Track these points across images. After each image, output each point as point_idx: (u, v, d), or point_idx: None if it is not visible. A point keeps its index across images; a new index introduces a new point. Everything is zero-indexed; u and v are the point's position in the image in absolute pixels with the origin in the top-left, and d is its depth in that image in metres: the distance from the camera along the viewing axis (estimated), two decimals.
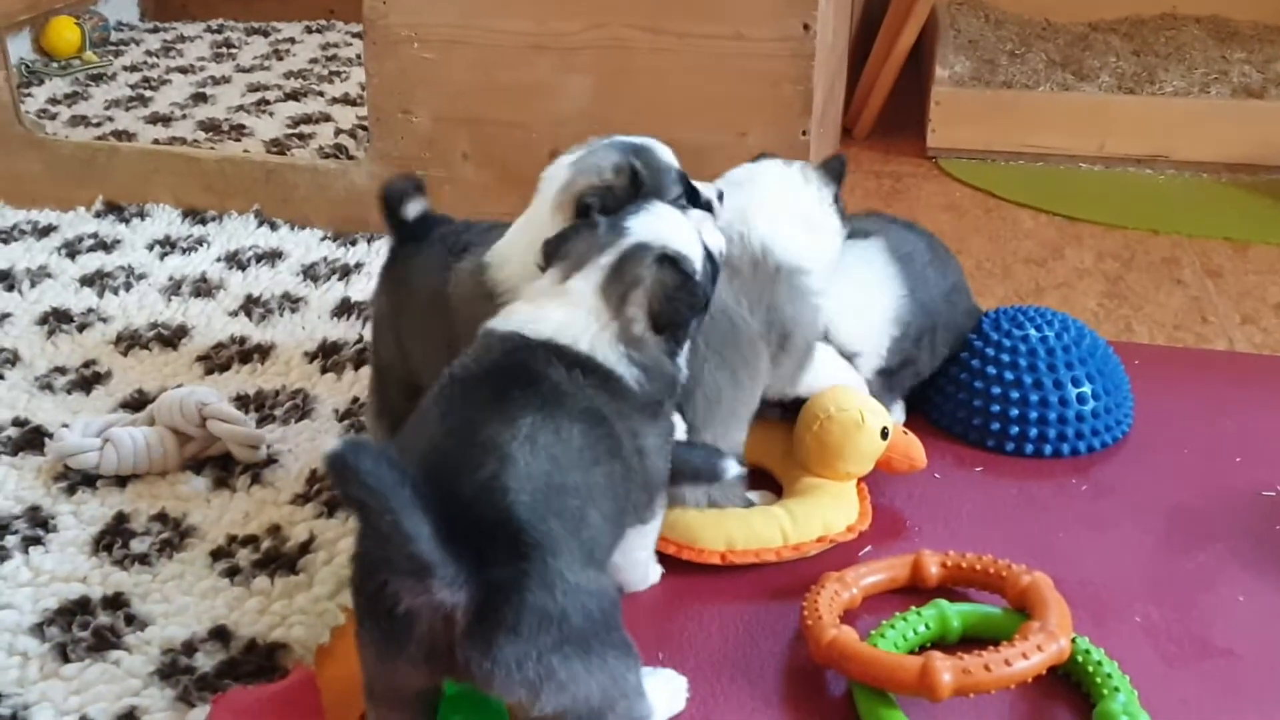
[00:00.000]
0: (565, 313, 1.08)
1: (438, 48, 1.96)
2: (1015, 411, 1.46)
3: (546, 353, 1.05)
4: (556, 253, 1.14)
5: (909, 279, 1.47)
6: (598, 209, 1.21)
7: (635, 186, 1.27)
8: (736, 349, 1.32)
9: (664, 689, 1.10)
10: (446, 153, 2.02)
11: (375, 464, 0.85)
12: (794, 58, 1.85)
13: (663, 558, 1.28)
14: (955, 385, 1.51)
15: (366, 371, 1.65)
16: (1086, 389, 1.47)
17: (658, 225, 1.14)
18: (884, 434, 1.36)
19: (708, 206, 1.34)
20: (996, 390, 1.47)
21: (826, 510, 1.32)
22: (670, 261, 1.11)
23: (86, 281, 1.92)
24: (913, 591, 1.23)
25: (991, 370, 1.48)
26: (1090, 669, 1.11)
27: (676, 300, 1.09)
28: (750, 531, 1.29)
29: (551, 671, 0.93)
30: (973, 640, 1.16)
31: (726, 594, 1.25)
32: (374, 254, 2.00)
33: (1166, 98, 2.55)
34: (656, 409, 1.11)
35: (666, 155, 1.34)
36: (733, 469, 1.25)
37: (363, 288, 1.90)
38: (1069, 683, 1.13)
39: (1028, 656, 1.04)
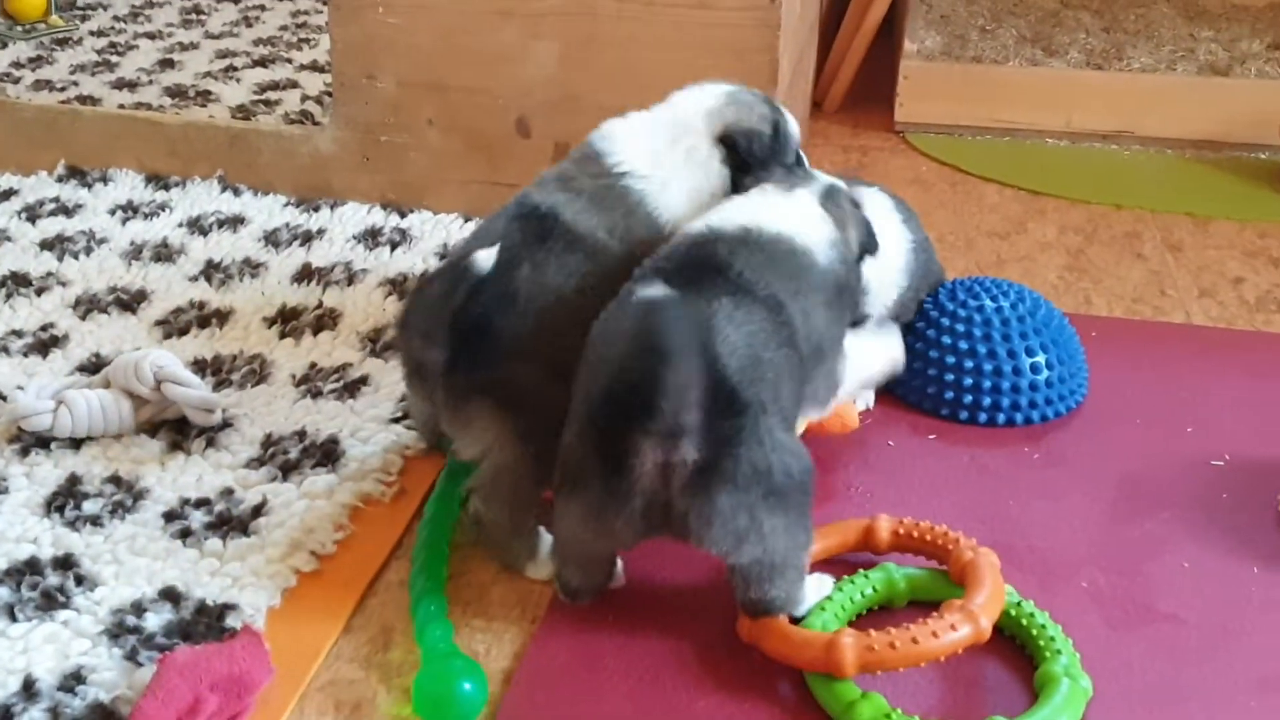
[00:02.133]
0: (802, 211, 1.24)
1: (403, 12, 1.95)
2: (969, 380, 1.48)
3: (735, 238, 1.17)
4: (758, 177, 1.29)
5: (913, 229, 1.50)
6: (744, 150, 1.29)
7: (775, 142, 1.33)
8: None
9: (814, 580, 1.16)
10: (411, 119, 2.01)
11: (688, 325, 0.99)
12: (760, 28, 1.85)
13: None
14: (911, 354, 1.52)
15: (326, 336, 1.65)
16: (1040, 359, 1.48)
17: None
18: None
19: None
20: (951, 360, 1.48)
21: None
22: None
23: (46, 245, 1.90)
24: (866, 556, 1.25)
25: (946, 340, 1.49)
26: (1034, 631, 1.12)
27: (871, 236, 1.30)
28: None
29: (758, 522, 1.03)
30: (921, 604, 1.18)
31: (675, 565, 1.26)
32: (336, 220, 1.99)
33: (1133, 74, 2.55)
34: (838, 295, 1.23)
35: (794, 125, 1.41)
36: None
37: (324, 254, 1.89)
38: (1014, 645, 1.14)
39: (938, 635, 1.04)
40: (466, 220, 2.01)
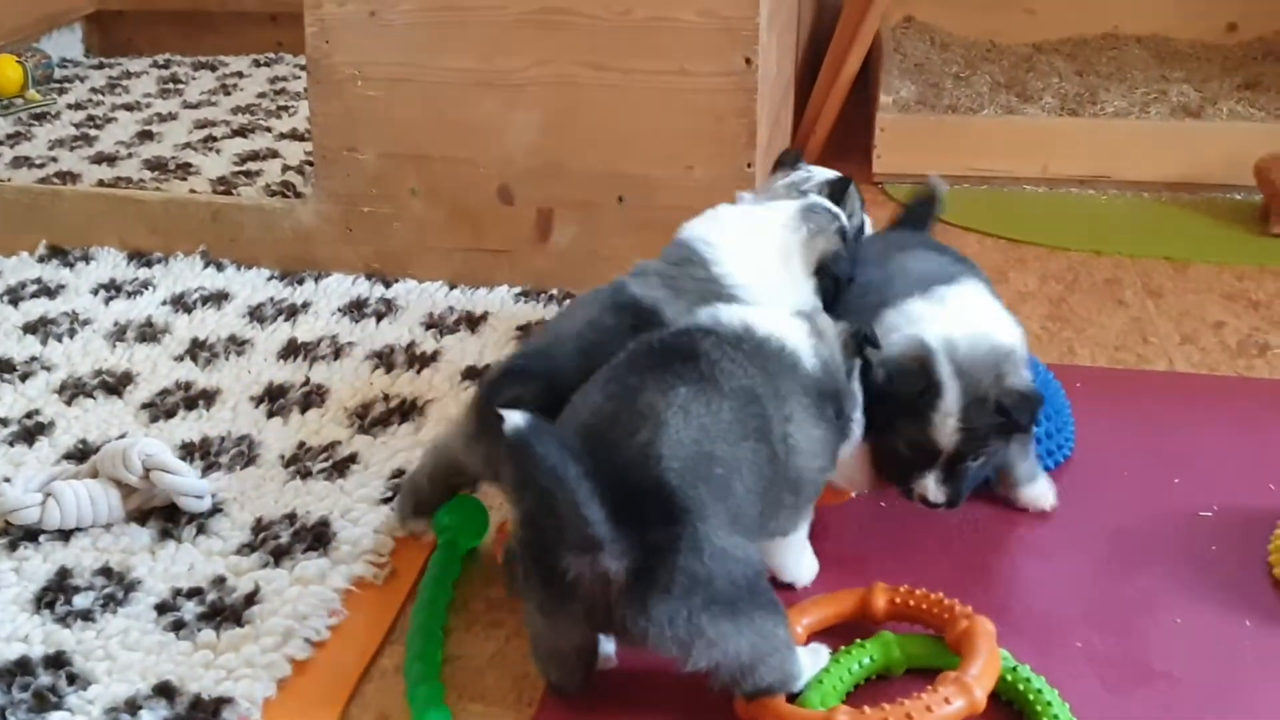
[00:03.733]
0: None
1: (382, 85, 1.97)
2: None
3: (728, 337, 1.17)
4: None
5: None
6: (834, 280, 1.39)
7: (851, 256, 1.43)
8: None
9: (809, 652, 1.16)
10: (394, 189, 2.02)
11: (555, 447, 0.97)
12: (737, 91, 1.88)
13: None
14: None
15: (313, 413, 1.65)
16: None
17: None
18: None
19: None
20: None
21: None
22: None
23: (29, 329, 1.90)
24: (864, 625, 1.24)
25: None
26: (1031, 697, 1.12)
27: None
28: None
29: (700, 630, 1.03)
30: (919, 671, 1.18)
31: None
32: (321, 292, 2.00)
33: (1107, 119, 2.59)
34: (822, 403, 1.20)
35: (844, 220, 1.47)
36: None
37: (310, 328, 1.89)
38: (1013, 711, 1.14)
39: (932, 710, 1.04)
40: (452, 288, 2.02)
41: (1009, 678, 1.14)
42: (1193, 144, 2.43)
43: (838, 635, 1.22)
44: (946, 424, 1.27)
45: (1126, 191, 2.44)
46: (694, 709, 1.16)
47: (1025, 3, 3.21)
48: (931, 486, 1.31)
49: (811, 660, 1.16)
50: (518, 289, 2.01)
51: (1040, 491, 1.44)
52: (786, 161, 1.64)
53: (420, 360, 1.78)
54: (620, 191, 1.96)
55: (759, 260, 1.38)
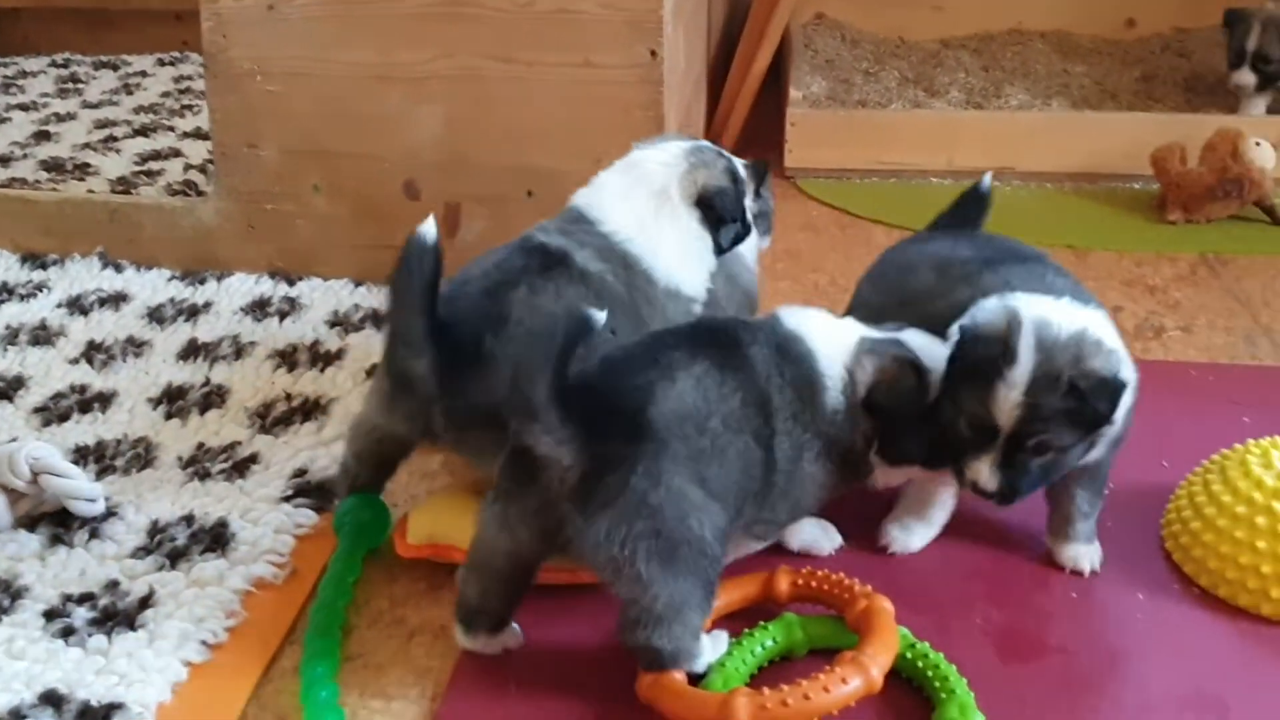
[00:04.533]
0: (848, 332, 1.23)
1: (282, 80, 1.93)
2: None
3: (773, 337, 1.19)
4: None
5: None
6: (719, 210, 1.40)
7: (737, 190, 1.44)
8: None
9: (710, 638, 1.16)
10: (297, 186, 1.99)
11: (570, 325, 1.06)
12: (643, 84, 1.88)
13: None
14: None
15: (213, 414, 1.62)
16: None
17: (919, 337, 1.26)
18: None
19: (749, 230, 1.49)
20: None
21: None
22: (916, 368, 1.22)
23: None
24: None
25: None
26: (929, 673, 1.14)
27: (896, 390, 1.21)
28: None
29: (633, 559, 1.05)
30: (823, 652, 1.18)
31: (573, 629, 1.25)
32: (223, 292, 1.96)
33: (1011, 112, 2.65)
34: (833, 447, 1.20)
35: (742, 169, 1.49)
36: None
37: (211, 328, 1.85)
38: (912, 687, 1.16)
39: (829, 690, 1.05)
40: (358, 285, 1.99)
41: (908, 655, 1.15)
42: (1093, 136, 2.48)
43: (743, 618, 1.22)
44: (1009, 397, 1.17)
45: (1030, 182, 2.48)
46: (594, 693, 1.16)
47: (933, 0, 3.27)
48: (985, 471, 1.20)
49: (712, 646, 1.16)
50: None
51: (1080, 554, 1.33)
52: None
53: (324, 359, 1.76)
54: (529, 185, 1.95)
55: (635, 206, 1.40)
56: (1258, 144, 2.26)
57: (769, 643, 1.18)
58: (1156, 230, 2.26)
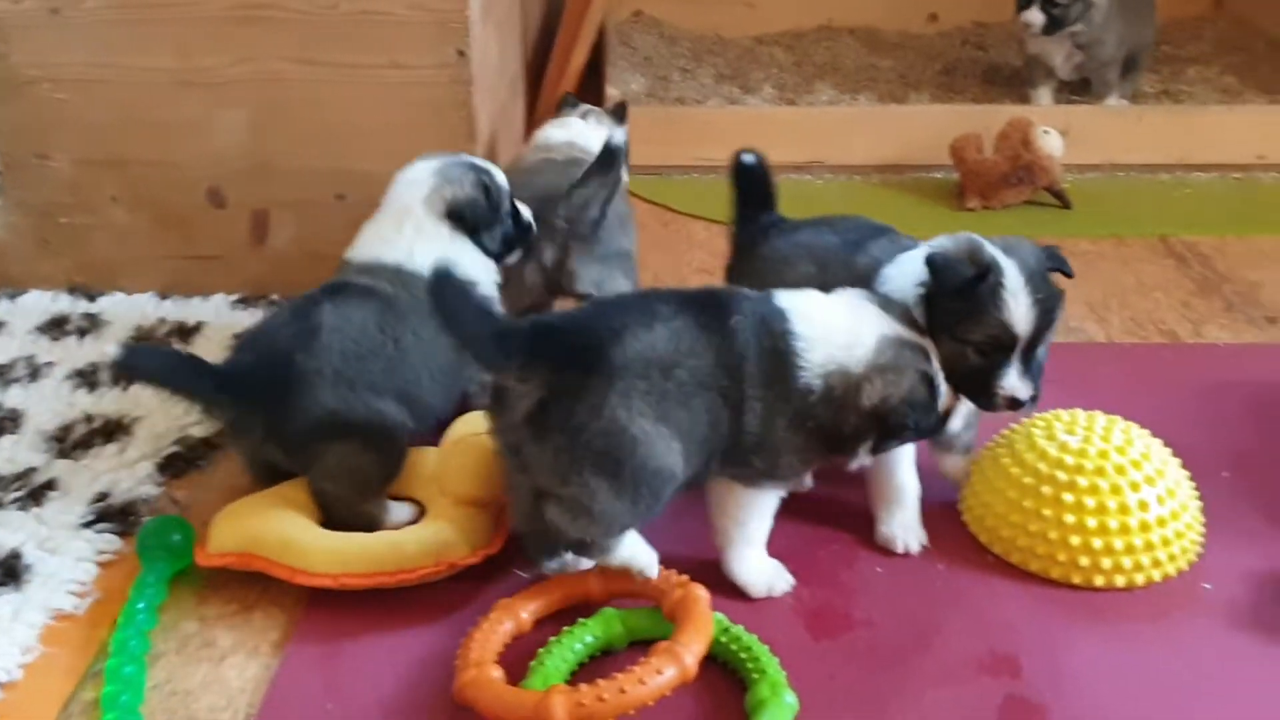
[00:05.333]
0: (838, 318, 1.25)
1: (72, 88, 1.85)
2: None
3: (762, 312, 1.25)
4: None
5: None
6: (469, 220, 1.50)
7: (489, 200, 1.53)
8: None
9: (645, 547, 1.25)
10: (92, 197, 1.90)
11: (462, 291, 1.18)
12: (453, 84, 1.87)
13: (344, 596, 1.27)
14: None
15: (7, 440, 1.54)
16: None
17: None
18: None
19: (528, 228, 1.58)
20: None
21: (448, 534, 1.31)
22: (928, 380, 1.26)
23: None
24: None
25: None
26: (743, 655, 1.17)
27: (910, 408, 1.24)
28: (365, 557, 1.28)
29: (580, 472, 1.16)
30: (643, 643, 1.20)
31: (399, 627, 1.25)
32: (17, 311, 1.86)
33: (821, 107, 2.74)
34: (803, 423, 1.24)
35: (502, 178, 1.57)
36: None
37: (3, 349, 1.76)
38: (727, 670, 1.19)
39: (645, 682, 1.08)
40: (164, 298, 1.92)
41: (722, 639, 1.19)
42: (897, 128, 2.59)
43: (562, 618, 1.24)
44: (1019, 301, 1.24)
45: (840, 175, 2.57)
46: (411, 695, 1.15)
47: None
48: (1017, 381, 1.26)
49: (646, 551, 1.24)
50: (234, 296, 1.94)
51: (961, 467, 1.46)
52: (566, 104, 1.97)
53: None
54: (339, 189, 1.92)
55: (381, 230, 1.52)
56: (1046, 132, 2.40)
57: (588, 639, 1.20)
58: (957, 218, 2.38)
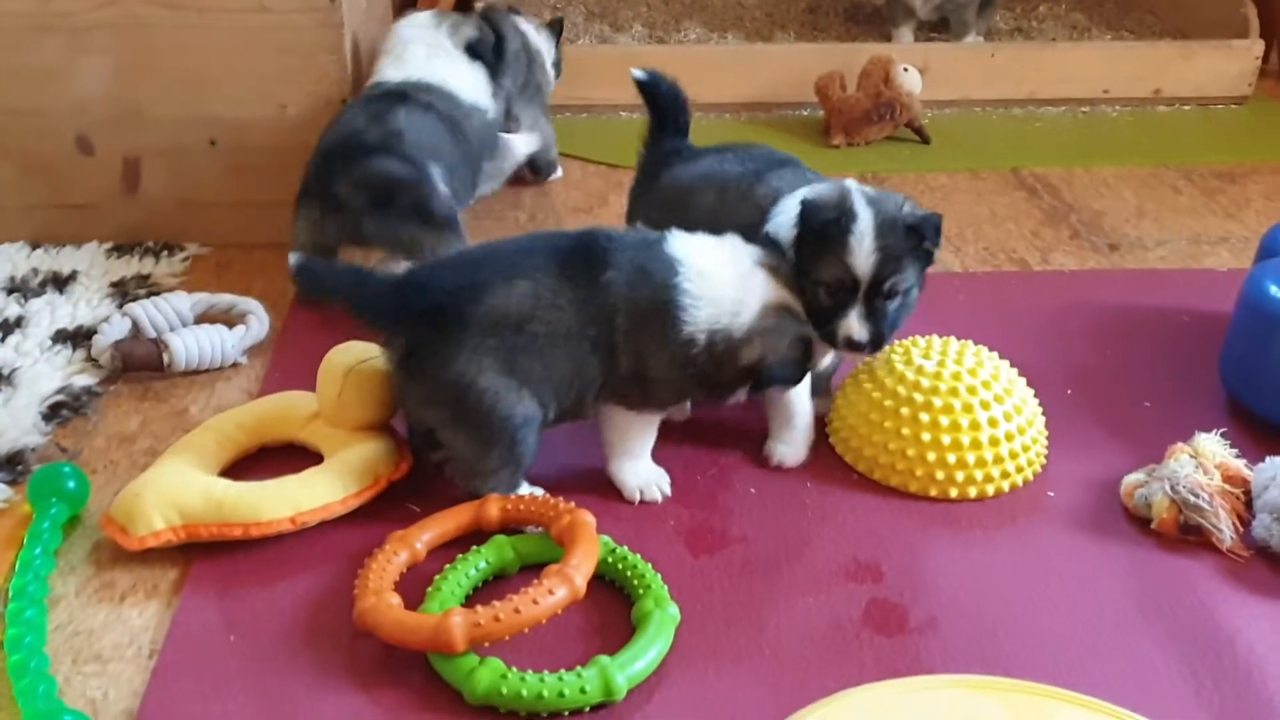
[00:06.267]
0: (741, 289, 1.33)
1: None
2: None
3: (656, 269, 1.33)
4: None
5: None
6: (483, 53, 2.00)
7: (499, 46, 2.04)
8: None
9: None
10: None
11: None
12: (323, 28, 1.86)
13: (235, 545, 1.30)
14: None
15: None
16: None
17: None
18: None
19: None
20: None
21: (374, 455, 1.38)
22: (802, 342, 1.37)
23: None
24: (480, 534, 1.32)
25: None
26: (628, 573, 1.25)
27: (783, 366, 1.36)
28: (312, 492, 1.33)
29: (438, 425, 1.33)
30: (533, 567, 1.27)
31: (297, 565, 1.29)
32: None
33: (689, 46, 2.79)
34: (684, 367, 1.33)
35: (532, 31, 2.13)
36: None
37: None
38: (614, 588, 1.27)
39: (538, 602, 1.14)
40: (35, 248, 1.89)
41: (609, 559, 1.26)
42: (763, 67, 2.65)
43: (457, 546, 1.29)
44: (863, 245, 1.34)
45: (710, 114, 2.63)
46: (316, 628, 1.20)
47: None
48: (855, 324, 1.35)
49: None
50: (109, 244, 1.91)
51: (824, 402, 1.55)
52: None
53: (4, 327, 1.67)
54: (211, 135, 1.90)
55: (428, 57, 1.94)
56: (906, 70, 2.49)
57: (482, 564, 1.26)
58: (823, 154, 2.46)
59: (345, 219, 1.71)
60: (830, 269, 1.35)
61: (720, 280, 1.33)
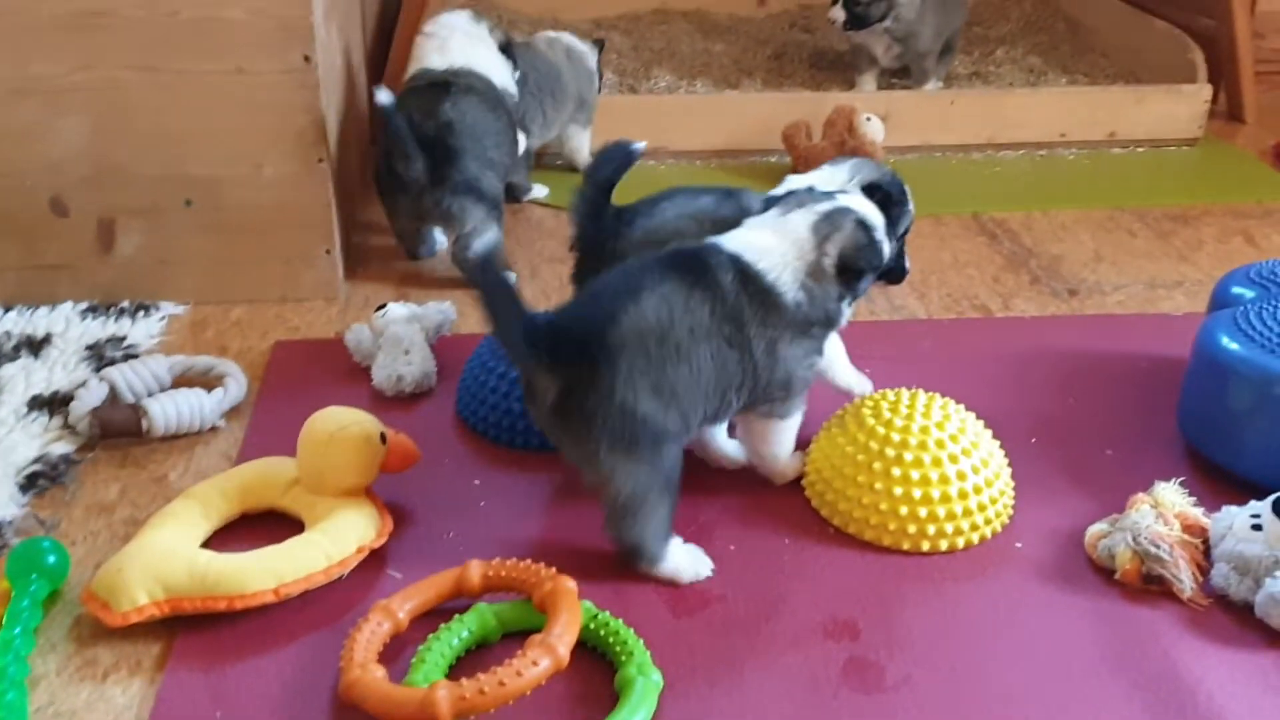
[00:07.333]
0: (767, 240, 1.42)
1: None
2: (520, 407, 1.60)
3: (729, 260, 1.39)
4: (780, 201, 1.48)
5: None
6: (503, 46, 2.26)
7: (510, 41, 2.31)
8: None
9: (688, 552, 1.42)
10: None
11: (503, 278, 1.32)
12: (300, 88, 1.89)
13: (219, 617, 1.30)
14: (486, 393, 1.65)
15: None
16: None
17: (856, 200, 1.48)
18: (383, 439, 1.46)
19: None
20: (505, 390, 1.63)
21: (356, 522, 1.40)
22: (864, 225, 1.44)
23: None
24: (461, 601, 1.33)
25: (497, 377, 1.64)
26: (610, 639, 1.27)
27: (862, 252, 1.43)
28: (295, 563, 1.34)
29: (598, 455, 1.31)
30: (516, 634, 1.29)
31: (281, 637, 1.30)
32: None
33: (659, 95, 2.83)
34: (807, 328, 1.43)
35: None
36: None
37: None
38: (597, 654, 1.29)
39: (522, 674, 1.16)
40: (7, 310, 1.89)
41: (591, 625, 1.28)
42: (732, 115, 2.69)
43: (439, 615, 1.31)
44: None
45: (681, 160, 2.68)
46: (300, 701, 1.21)
47: None
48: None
49: (688, 557, 1.41)
50: (84, 305, 1.92)
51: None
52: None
53: None
54: (187, 194, 1.92)
55: (461, 45, 2.20)
56: (869, 119, 2.55)
57: (464, 634, 1.27)
58: None
59: (411, 197, 2.04)
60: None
61: (769, 242, 1.42)
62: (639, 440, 1.31)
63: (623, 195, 1.58)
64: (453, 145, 2.01)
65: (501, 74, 2.22)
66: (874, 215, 1.48)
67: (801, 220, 1.44)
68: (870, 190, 1.56)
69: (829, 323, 1.47)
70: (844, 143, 2.51)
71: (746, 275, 1.39)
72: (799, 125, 2.56)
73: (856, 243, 1.44)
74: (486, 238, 2.07)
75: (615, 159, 1.56)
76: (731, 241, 1.43)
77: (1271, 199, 2.59)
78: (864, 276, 1.46)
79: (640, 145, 1.56)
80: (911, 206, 1.63)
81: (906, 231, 1.63)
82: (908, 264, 1.65)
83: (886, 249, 1.49)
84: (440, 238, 2.18)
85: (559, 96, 2.45)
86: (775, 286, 1.40)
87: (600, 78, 2.58)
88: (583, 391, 1.30)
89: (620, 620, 1.29)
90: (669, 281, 1.35)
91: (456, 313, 1.93)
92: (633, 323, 1.31)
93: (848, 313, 1.50)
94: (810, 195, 1.48)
